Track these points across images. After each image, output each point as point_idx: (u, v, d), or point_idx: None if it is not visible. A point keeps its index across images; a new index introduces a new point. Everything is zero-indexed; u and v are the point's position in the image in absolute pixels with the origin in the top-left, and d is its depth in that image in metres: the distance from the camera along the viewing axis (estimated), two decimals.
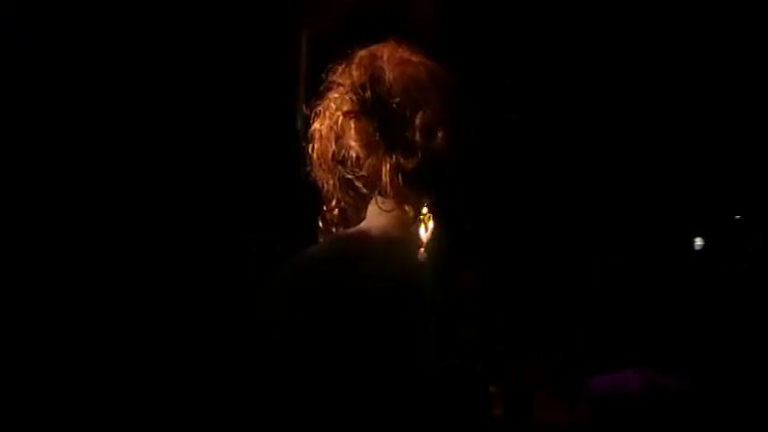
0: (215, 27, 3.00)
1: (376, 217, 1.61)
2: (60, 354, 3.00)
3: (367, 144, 1.59)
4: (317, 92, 1.70)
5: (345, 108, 1.61)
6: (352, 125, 1.60)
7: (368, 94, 1.60)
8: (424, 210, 1.58)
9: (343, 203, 1.66)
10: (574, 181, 3.23)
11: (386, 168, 1.56)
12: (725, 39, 3.22)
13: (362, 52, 1.68)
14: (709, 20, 3.15)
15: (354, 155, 1.61)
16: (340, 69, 1.68)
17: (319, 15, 2.89)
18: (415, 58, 1.66)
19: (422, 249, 1.56)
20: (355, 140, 1.60)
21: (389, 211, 1.59)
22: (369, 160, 1.59)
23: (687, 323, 3.11)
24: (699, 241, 3.23)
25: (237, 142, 3.03)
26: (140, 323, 3.03)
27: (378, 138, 1.58)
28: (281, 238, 2.28)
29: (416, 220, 1.58)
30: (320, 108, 1.68)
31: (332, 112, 1.64)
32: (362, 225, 1.63)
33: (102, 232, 3.04)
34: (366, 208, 1.64)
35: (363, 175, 1.61)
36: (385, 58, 1.65)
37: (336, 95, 1.64)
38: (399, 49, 1.68)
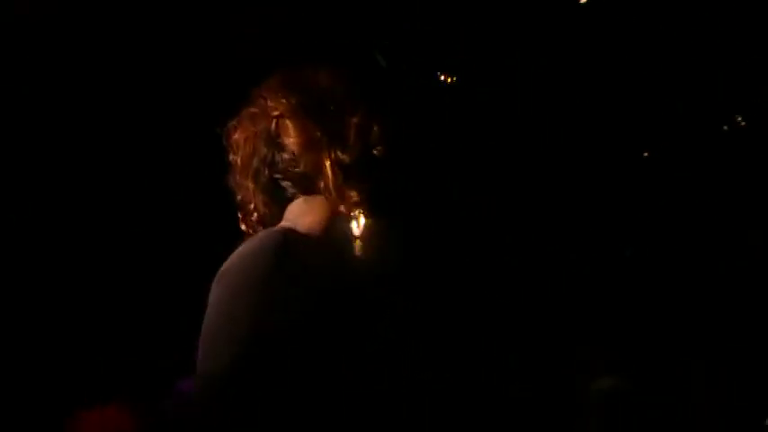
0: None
1: (299, 216, 1.67)
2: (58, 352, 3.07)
3: (307, 141, 1.67)
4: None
5: (280, 110, 1.69)
6: (289, 124, 1.68)
7: (305, 95, 1.69)
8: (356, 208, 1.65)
9: (260, 208, 1.73)
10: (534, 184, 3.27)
11: (328, 163, 1.64)
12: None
13: (282, 70, 1.77)
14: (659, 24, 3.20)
15: (289, 155, 1.68)
16: (262, 87, 1.75)
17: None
18: (337, 70, 1.76)
19: (356, 243, 1.63)
20: (295, 137, 1.67)
21: (315, 209, 1.66)
22: (307, 156, 1.66)
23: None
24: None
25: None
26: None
27: (319, 135, 1.66)
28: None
29: (348, 217, 1.65)
30: (240, 119, 1.76)
31: (261, 117, 1.71)
32: (284, 224, 1.68)
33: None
34: (284, 211, 1.70)
35: (298, 173, 1.68)
36: (312, 69, 1.75)
37: (267, 102, 1.71)
38: (320, 66, 1.77)
